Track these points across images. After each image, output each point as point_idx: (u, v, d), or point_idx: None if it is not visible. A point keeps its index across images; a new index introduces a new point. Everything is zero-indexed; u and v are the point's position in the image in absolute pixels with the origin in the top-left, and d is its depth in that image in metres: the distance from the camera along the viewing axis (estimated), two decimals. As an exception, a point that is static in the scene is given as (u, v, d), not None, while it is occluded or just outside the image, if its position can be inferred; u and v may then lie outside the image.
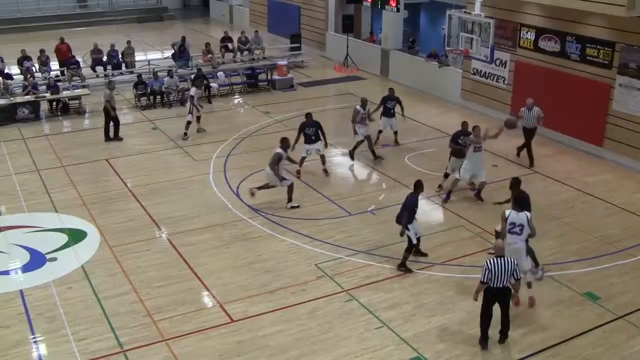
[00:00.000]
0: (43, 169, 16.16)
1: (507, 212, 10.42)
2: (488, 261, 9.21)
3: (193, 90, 18.64)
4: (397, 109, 17.17)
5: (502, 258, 9.18)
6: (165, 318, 10.29)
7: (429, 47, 24.35)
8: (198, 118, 18.62)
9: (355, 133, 16.31)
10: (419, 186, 11.73)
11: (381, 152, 16.90)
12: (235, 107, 21.07)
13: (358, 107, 16.28)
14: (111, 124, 18.11)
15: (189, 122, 18.18)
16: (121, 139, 18.12)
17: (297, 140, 15.41)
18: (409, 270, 11.65)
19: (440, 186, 14.85)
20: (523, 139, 16.36)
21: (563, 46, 17.60)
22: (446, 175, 14.80)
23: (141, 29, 34.10)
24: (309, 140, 15.50)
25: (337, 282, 11.27)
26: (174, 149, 17.52)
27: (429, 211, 14.20)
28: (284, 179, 14.00)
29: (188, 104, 18.38)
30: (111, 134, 18.15)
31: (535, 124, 16.02)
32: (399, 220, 11.61)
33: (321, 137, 15.58)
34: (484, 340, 9.59)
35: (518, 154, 16.59)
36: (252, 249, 12.40)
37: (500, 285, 9.22)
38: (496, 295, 9.34)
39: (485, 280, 9.24)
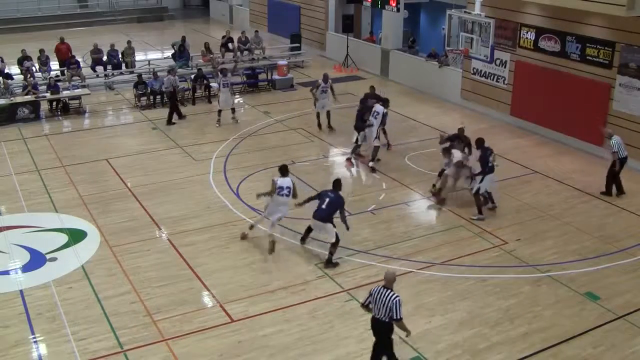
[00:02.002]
0: (43, 169, 16.16)
1: (276, 178, 12.14)
2: (374, 287, 8.67)
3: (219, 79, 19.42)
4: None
5: (387, 290, 8.48)
6: (165, 318, 10.29)
7: (429, 47, 24.35)
8: (232, 109, 19.47)
9: (314, 105, 18.55)
10: (338, 185, 12.14)
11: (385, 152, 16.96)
12: (236, 107, 21.04)
13: (320, 80, 18.27)
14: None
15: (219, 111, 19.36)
16: (185, 117, 19.92)
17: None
18: (336, 264, 11.77)
19: (434, 185, 14.85)
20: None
21: (563, 46, 17.60)
22: (440, 174, 14.79)
23: (141, 29, 34.10)
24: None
25: (337, 282, 11.27)
26: (174, 149, 17.52)
27: (429, 211, 14.21)
28: (377, 138, 15.96)
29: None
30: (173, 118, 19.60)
31: (609, 155, 14.63)
32: (328, 217, 11.78)
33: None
34: None
35: (608, 190, 14.79)
36: (252, 249, 12.40)
37: (377, 317, 8.60)
38: (374, 326, 8.73)
39: (364, 302, 8.83)
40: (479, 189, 13.44)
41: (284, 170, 12.28)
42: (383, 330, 8.65)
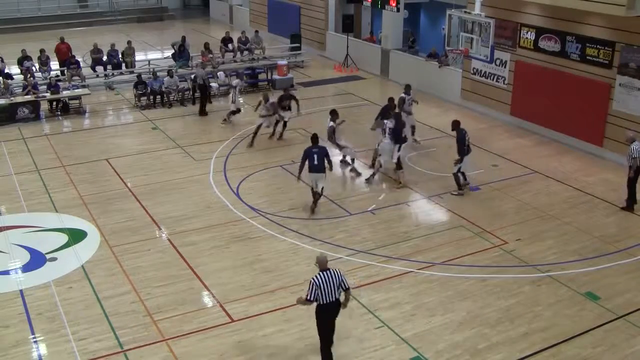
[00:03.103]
0: (43, 168, 16.16)
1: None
2: (315, 278, 8.64)
3: (235, 82, 20.09)
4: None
5: (328, 271, 8.69)
6: (165, 318, 10.29)
7: (429, 47, 24.35)
8: (233, 112, 19.60)
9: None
10: (316, 138, 13.95)
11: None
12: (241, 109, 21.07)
13: (262, 99, 17.77)
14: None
15: (232, 112, 19.49)
16: (206, 114, 20.43)
17: None
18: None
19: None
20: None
21: (563, 46, 17.60)
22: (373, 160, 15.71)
23: (141, 29, 34.10)
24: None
25: (337, 282, 11.26)
26: (174, 149, 17.52)
27: (429, 211, 14.22)
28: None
29: (231, 94, 20.04)
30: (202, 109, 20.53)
31: (630, 161, 13.88)
32: (323, 168, 13.58)
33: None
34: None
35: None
36: (252, 249, 12.40)
37: (333, 300, 8.72)
38: (331, 311, 8.85)
39: (312, 298, 8.65)
40: (459, 169, 14.45)
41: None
42: (337, 310, 8.96)
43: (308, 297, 8.68)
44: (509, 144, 17.95)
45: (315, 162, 13.52)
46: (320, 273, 8.70)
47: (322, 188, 13.77)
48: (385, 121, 15.24)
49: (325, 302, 8.69)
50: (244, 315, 10.39)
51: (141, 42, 29.72)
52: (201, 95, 20.67)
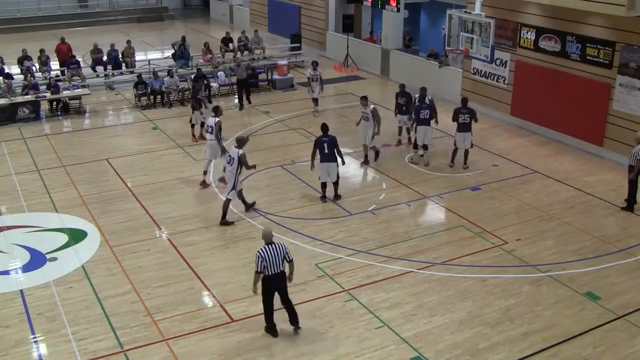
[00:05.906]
0: (43, 168, 16.16)
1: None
2: (260, 250, 9.39)
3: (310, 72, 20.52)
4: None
5: (272, 245, 9.44)
6: (165, 318, 10.29)
7: (429, 47, 24.34)
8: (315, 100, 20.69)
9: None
10: (326, 128, 14.22)
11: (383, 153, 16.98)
12: (235, 107, 21.09)
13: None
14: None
15: (314, 99, 20.43)
16: (250, 103, 21.50)
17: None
18: (340, 196, 14.34)
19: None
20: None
21: (563, 46, 17.60)
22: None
23: (141, 29, 34.11)
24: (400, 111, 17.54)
25: (337, 281, 11.27)
26: (174, 149, 17.52)
27: (429, 211, 14.22)
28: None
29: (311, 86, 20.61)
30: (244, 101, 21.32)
31: (633, 162, 13.68)
32: (332, 157, 13.93)
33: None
34: (272, 330, 9.85)
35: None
36: (252, 249, 12.34)
37: (277, 271, 9.44)
38: (275, 282, 9.52)
39: (260, 270, 9.39)
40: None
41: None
42: (285, 280, 9.63)
43: (257, 269, 9.41)
44: (509, 144, 17.95)
45: (326, 151, 13.91)
46: (265, 246, 9.45)
47: (338, 176, 14.13)
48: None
49: (270, 273, 9.40)
50: (244, 315, 10.38)
51: (141, 42, 29.72)
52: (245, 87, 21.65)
